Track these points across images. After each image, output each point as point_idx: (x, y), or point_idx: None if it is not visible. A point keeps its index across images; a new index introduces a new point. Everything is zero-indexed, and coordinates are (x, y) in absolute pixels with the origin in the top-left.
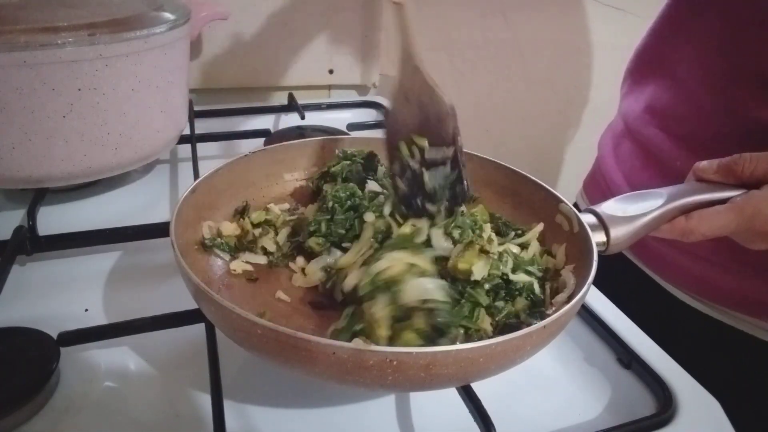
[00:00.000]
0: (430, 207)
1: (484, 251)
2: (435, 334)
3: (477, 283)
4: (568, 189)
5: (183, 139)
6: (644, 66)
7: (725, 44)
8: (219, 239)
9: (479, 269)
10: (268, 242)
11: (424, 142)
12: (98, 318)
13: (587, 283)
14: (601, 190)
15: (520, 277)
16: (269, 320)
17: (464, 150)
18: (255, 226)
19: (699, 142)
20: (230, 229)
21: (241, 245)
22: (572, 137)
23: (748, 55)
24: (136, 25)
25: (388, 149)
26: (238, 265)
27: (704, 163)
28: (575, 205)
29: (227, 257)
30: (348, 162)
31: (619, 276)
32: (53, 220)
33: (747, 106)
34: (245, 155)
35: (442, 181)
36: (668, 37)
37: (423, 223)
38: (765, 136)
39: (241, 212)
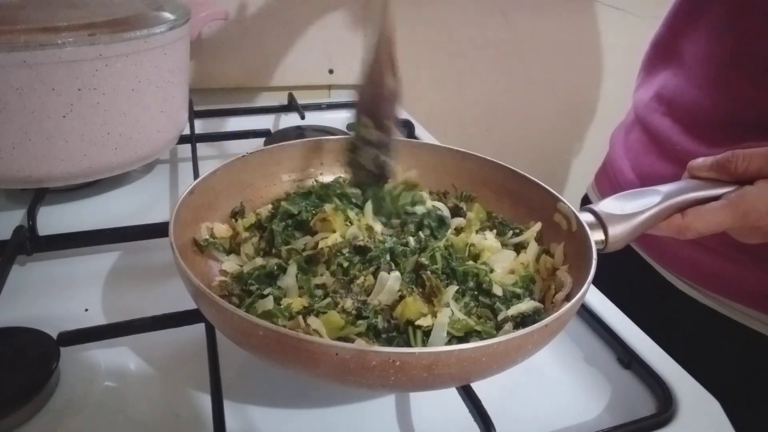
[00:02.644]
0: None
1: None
2: None
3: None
4: (568, 188)
5: (183, 139)
6: (656, 57)
7: (730, 32)
8: (212, 239)
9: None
10: (249, 247)
11: (369, 125)
12: (98, 318)
13: (587, 281)
14: (609, 179)
15: (524, 306)
16: None
17: (459, 150)
18: (247, 228)
19: (702, 127)
20: (223, 230)
21: (231, 247)
22: (572, 137)
23: (751, 42)
24: (136, 25)
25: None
26: (229, 266)
27: (698, 161)
28: (586, 197)
29: (224, 258)
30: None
31: (621, 267)
32: (53, 220)
33: (749, 92)
34: (242, 156)
35: (373, 159)
36: (679, 26)
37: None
38: (765, 122)
39: (236, 214)
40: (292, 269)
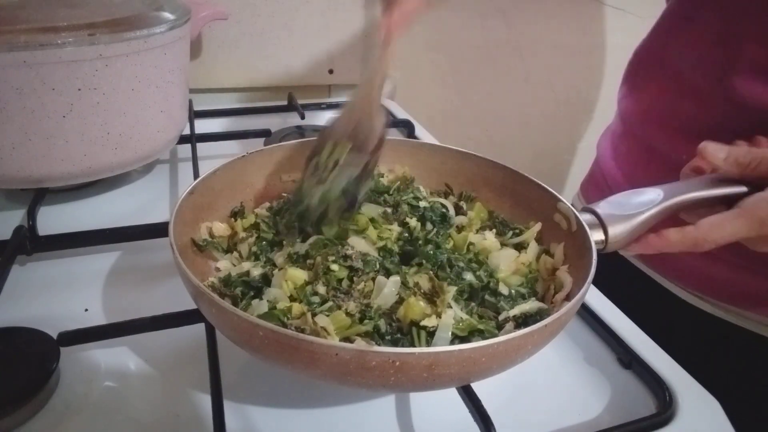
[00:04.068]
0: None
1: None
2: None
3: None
4: (566, 189)
5: (183, 139)
6: (643, 68)
7: (722, 34)
8: (211, 239)
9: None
10: (245, 248)
11: (348, 146)
12: (98, 318)
13: (587, 281)
14: (600, 190)
15: (528, 306)
16: None
17: (459, 150)
18: (245, 229)
19: (698, 131)
20: (221, 229)
21: (229, 246)
22: (572, 137)
23: (744, 43)
24: (136, 25)
25: (315, 145)
26: (223, 265)
27: (713, 148)
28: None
29: (222, 257)
30: None
31: (619, 274)
32: (53, 220)
33: (744, 93)
34: (243, 156)
35: (344, 182)
36: (667, 35)
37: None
38: (761, 122)
39: (236, 214)
40: (277, 279)
